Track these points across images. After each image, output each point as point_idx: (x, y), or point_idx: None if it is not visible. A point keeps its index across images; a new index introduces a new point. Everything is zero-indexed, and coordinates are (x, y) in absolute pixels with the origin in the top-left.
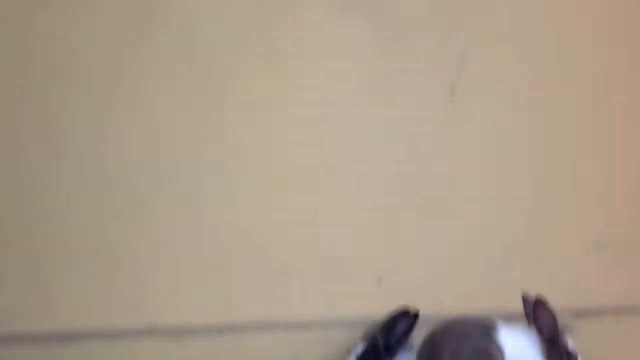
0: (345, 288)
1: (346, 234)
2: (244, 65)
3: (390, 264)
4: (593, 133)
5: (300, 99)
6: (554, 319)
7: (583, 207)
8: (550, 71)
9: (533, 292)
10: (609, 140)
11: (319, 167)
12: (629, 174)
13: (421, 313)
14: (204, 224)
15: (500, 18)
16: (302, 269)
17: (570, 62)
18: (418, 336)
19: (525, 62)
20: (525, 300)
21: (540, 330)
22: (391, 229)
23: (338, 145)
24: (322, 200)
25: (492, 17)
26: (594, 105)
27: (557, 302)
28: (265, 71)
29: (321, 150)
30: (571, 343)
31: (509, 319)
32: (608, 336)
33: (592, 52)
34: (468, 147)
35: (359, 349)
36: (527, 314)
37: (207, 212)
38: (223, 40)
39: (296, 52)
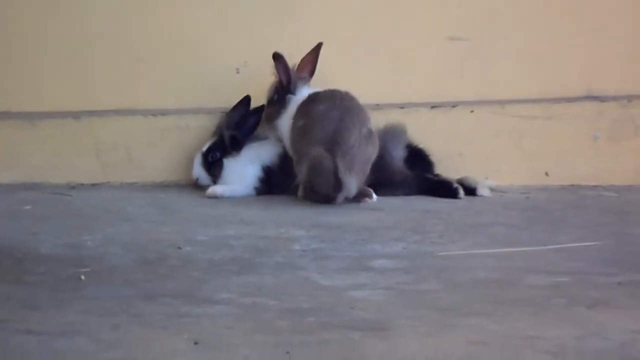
0: (203, 77)
1: (205, 23)
2: None
3: (248, 53)
4: None
5: None
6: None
7: (439, 4)
8: None
9: (392, 86)
10: None
11: None
12: None
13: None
14: (60, 12)
15: None
16: (161, 58)
17: None
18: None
19: None
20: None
21: (279, 80)
22: (249, 19)
23: None
24: None
25: None
26: None
27: (414, 96)
28: None
29: None
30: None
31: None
32: (461, 128)
33: None
34: None
35: (207, 144)
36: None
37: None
38: None
39: None
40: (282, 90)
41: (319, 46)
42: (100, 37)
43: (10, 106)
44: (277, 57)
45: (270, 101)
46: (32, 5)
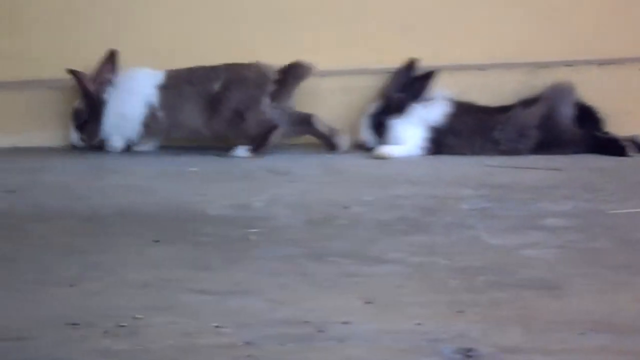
0: (368, 37)
1: None
2: None
3: (414, 15)
4: None
5: None
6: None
7: None
8: None
9: (559, 44)
10: None
11: None
12: None
13: (444, 62)
14: None
15: None
16: (326, 18)
17: None
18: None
19: None
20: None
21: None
22: None
23: None
24: None
25: None
26: None
27: (581, 53)
28: None
29: None
30: None
31: (529, 68)
32: (630, 85)
33: None
34: None
35: (373, 106)
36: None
37: None
38: None
39: None
40: (93, 105)
41: (111, 54)
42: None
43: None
44: (74, 74)
45: (85, 123)
46: None
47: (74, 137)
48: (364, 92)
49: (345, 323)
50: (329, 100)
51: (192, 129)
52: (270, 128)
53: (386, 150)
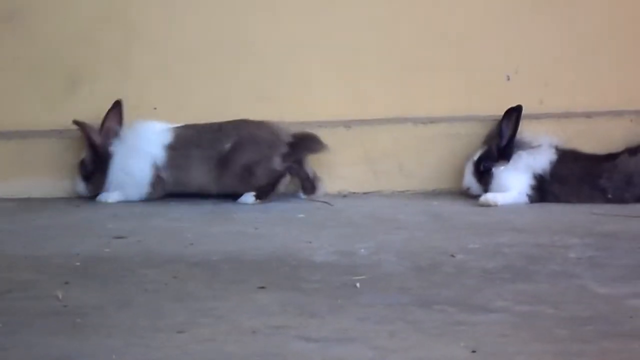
0: (473, 84)
1: (475, 31)
2: None
3: (518, 61)
4: None
5: None
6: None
7: None
8: None
9: None
10: None
11: None
12: None
13: (549, 109)
14: (333, 19)
15: None
16: (430, 66)
17: None
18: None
19: None
20: None
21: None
22: (520, 26)
23: None
24: None
25: None
26: None
27: None
28: None
29: None
30: None
31: (635, 116)
32: None
33: None
34: None
35: (478, 153)
36: None
37: (337, 6)
38: None
39: None
40: (98, 156)
41: (117, 105)
42: (371, 47)
43: (282, 115)
44: (80, 125)
45: (91, 174)
46: (295, 11)
47: (81, 187)
48: (469, 139)
49: None
50: (434, 147)
51: (199, 186)
52: (278, 177)
53: (491, 197)
